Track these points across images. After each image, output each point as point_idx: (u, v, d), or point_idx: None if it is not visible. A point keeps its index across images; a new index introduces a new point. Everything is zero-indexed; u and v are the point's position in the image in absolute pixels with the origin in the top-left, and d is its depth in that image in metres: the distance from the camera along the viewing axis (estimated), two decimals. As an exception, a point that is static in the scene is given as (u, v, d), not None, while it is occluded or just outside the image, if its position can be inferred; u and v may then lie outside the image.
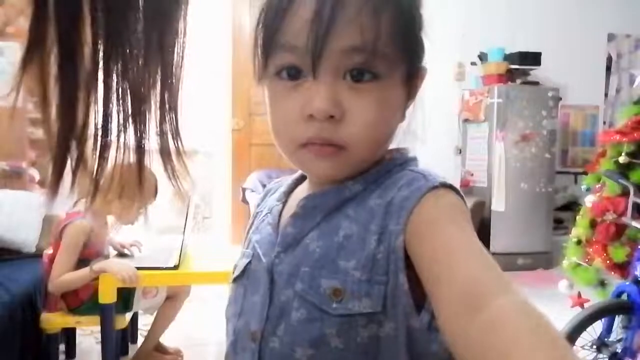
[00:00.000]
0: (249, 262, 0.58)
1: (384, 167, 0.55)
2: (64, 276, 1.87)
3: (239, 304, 0.58)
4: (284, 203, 0.60)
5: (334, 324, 0.47)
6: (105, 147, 0.39)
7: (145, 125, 0.42)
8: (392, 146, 0.61)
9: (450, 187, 0.54)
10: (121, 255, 2.13)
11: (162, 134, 0.45)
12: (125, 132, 0.40)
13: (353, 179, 0.53)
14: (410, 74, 0.57)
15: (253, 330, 0.53)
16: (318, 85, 0.48)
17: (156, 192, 2.08)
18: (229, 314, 0.62)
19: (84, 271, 1.86)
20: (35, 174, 3.48)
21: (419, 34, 0.58)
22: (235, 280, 0.61)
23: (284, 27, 0.49)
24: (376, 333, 0.47)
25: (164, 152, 0.47)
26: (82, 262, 1.94)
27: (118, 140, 0.40)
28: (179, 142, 0.48)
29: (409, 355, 0.48)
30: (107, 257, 2.09)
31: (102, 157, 0.39)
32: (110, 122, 0.39)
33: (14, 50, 3.18)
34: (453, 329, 0.40)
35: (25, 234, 2.59)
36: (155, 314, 2.18)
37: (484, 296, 0.39)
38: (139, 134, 0.41)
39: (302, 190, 0.59)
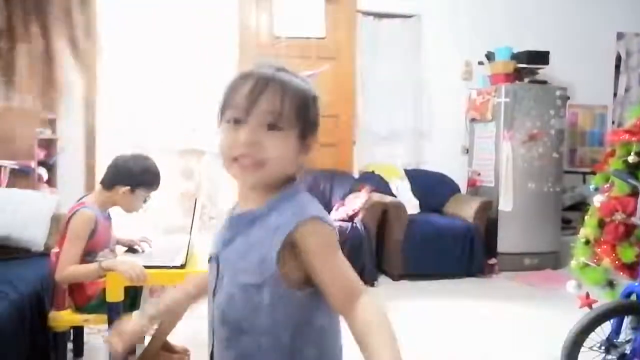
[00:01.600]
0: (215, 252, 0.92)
1: (280, 197, 0.85)
2: (71, 268, 1.88)
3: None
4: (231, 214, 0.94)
5: (238, 288, 0.85)
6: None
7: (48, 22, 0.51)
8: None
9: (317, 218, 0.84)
10: (130, 250, 2.15)
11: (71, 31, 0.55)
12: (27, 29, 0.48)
13: (262, 203, 0.87)
14: (304, 134, 0.86)
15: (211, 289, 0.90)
16: (246, 128, 0.83)
17: (158, 184, 2.11)
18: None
19: (93, 266, 1.88)
20: (43, 173, 3.51)
21: (310, 111, 0.87)
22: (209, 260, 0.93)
23: (233, 97, 0.85)
24: (260, 297, 0.83)
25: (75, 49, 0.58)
26: (88, 254, 1.95)
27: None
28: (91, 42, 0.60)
29: (288, 314, 0.83)
30: (113, 251, 2.11)
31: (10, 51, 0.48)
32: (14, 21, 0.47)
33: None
34: (340, 311, 0.81)
35: (33, 232, 2.61)
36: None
37: (355, 293, 0.80)
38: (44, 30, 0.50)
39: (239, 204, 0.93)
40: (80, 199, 2.07)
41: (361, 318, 0.78)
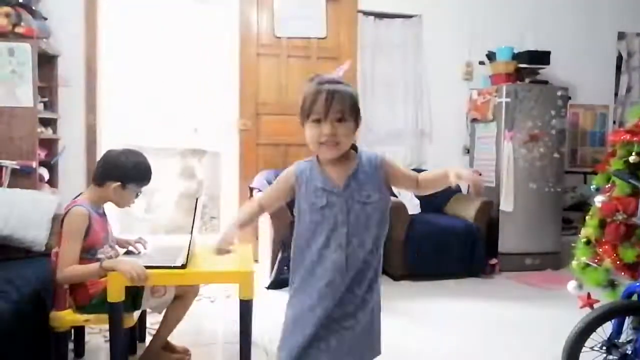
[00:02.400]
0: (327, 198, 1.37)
1: (359, 159, 1.41)
2: (71, 268, 1.88)
3: (330, 220, 1.36)
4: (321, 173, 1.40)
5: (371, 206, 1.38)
6: None
7: None
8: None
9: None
10: (128, 253, 2.15)
11: None
12: None
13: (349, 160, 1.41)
14: (356, 120, 1.38)
15: (341, 220, 1.36)
16: (325, 124, 1.33)
17: (149, 179, 2.11)
18: (318, 226, 1.38)
19: (94, 266, 1.88)
20: (44, 173, 3.51)
21: (358, 106, 1.38)
22: (321, 208, 1.37)
23: (313, 106, 1.33)
24: (383, 206, 1.41)
25: None
26: (88, 252, 1.95)
27: None
28: None
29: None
30: (113, 247, 2.11)
31: None
32: None
33: (24, 50, 3.21)
34: (416, 187, 1.46)
35: (34, 232, 2.61)
36: (163, 312, 2.19)
37: (417, 178, 1.44)
38: None
39: (327, 168, 1.40)
40: (76, 197, 2.07)
41: (422, 180, 1.43)
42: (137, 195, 2.12)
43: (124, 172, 2.03)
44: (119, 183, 2.02)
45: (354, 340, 1.36)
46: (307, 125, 1.35)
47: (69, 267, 1.89)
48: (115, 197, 2.07)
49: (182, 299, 2.17)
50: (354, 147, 1.41)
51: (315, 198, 1.36)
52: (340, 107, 1.31)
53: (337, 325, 1.34)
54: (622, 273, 2.09)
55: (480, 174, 4.49)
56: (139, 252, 2.16)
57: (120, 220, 4.26)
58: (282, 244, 3.42)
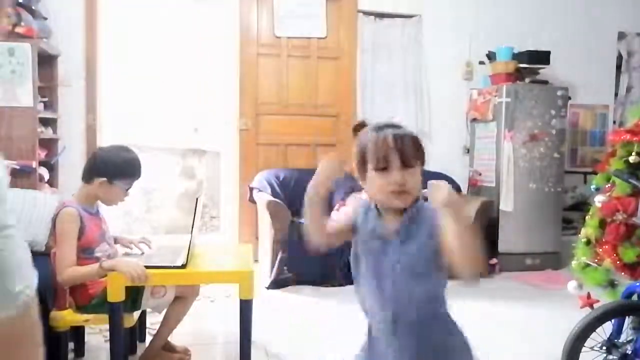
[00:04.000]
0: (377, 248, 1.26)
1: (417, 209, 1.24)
2: (71, 269, 1.88)
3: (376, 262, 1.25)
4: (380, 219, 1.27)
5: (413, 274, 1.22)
6: None
7: None
8: None
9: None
10: (127, 253, 2.15)
11: None
12: None
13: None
14: (423, 163, 1.24)
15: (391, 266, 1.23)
16: (395, 172, 1.19)
17: (138, 175, 2.09)
18: (368, 271, 1.27)
19: (93, 267, 1.88)
20: (44, 173, 3.51)
21: (423, 150, 1.24)
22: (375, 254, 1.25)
23: (378, 154, 1.20)
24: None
25: None
26: (85, 251, 1.95)
27: None
28: None
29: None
30: (111, 245, 2.10)
31: None
32: None
33: (24, 50, 3.21)
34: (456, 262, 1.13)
35: (34, 232, 2.61)
36: (163, 312, 2.19)
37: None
38: None
39: (388, 217, 1.26)
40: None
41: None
42: (126, 192, 2.09)
43: (110, 168, 2.01)
44: (104, 179, 2.00)
45: None
46: (371, 176, 1.22)
47: (68, 270, 1.89)
48: (103, 194, 2.04)
49: (182, 299, 2.17)
50: None
51: (369, 240, 1.26)
52: (408, 152, 1.20)
53: None
54: (622, 273, 2.09)
55: (480, 174, 4.49)
56: (142, 253, 2.16)
57: (120, 220, 4.26)
58: (282, 244, 3.42)
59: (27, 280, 0.86)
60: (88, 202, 2.05)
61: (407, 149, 1.20)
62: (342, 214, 1.36)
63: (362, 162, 1.24)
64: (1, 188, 0.85)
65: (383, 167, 1.20)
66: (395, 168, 1.19)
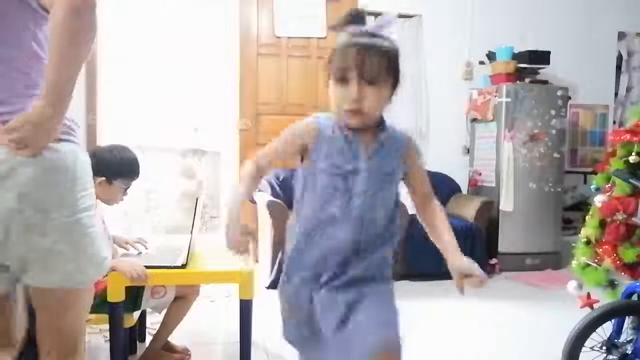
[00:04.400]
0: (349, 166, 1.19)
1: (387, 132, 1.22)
2: None
3: (347, 182, 1.18)
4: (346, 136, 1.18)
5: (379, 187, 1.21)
6: None
7: None
8: None
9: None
10: (126, 254, 2.14)
11: None
12: None
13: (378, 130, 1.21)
14: (393, 85, 1.15)
15: (363, 190, 1.17)
16: (352, 85, 1.10)
17: (137, 174, 2.09)
18: (339, 186, 1.18)
19: None
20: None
21: (397, 68, 1.14)
22: (344, 176, 1.17)
23: (341, 62, 1.10)
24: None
25: None
26: None
27: None
28: None
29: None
30: (112, 247, 2.10)
31: None
32: None
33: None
34: (418, 208, 1.32)
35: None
36: (163, 312, 2.19)
37: (429, 198, 1.31)
38: None
39: (351, 132, 1.18)
40: None
41: (432, 212, 1.29)
42: (125, 192, 2.10)
43: (109, 168, 2.01)
44: (104, 178, 2.00)
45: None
46: (331, 84, 1.13)
47: None
48: (102, 194, 2.04)
49: (182, 299, 2.17)
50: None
51: (338, 161, 1.16)
52: (373, 66, 1.07)
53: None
54: (622, 273, 2.09)
55: (480, 174, 4.49)
56: (139, 253, 2.16)
57: (120, 221, 4.26)
58: (282, 244, 3.42)
59: (108, 250, 1.21)
60: None
61: (372, 63, 1.07)
62: (289, 136, 1.23)
63: (329, 68, 1.14)
64: (88, 172, 1.19)
65: (341, 78, 1.09)
66: (353, 82, 1.08)
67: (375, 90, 1.09)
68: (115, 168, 2.02)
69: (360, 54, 1.07)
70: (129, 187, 2.10)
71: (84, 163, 1.18)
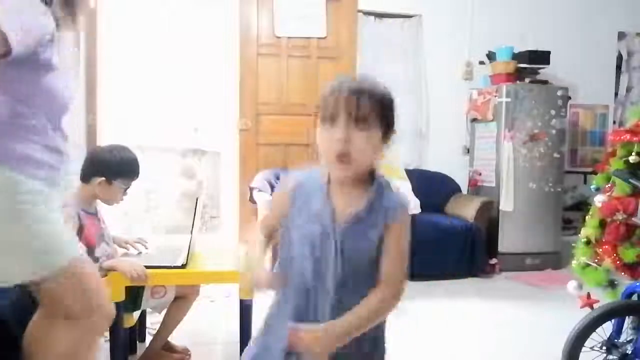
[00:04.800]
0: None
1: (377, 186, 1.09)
2: None
3: (315, 248, 1.05)
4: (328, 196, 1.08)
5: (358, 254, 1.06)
6: None
7: None
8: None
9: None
10: (126, 253, 2.14)
11: None
12: None
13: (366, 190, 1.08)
14: (386, 131, 1.05)
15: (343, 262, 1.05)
16: (338, 126, 1.01)
17: (136, 174, 2.09)
18: (306, 252, 1.06)
19: None
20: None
21: (390, 114, 1.05)
22: (312, 241, 1.05)
23: (329, 104, 1.02)
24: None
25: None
26: (85, 251, 1.94)
27: None
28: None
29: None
30: (109, 245, 2.10)
31: None
32: None
33: (24, 50, 3.20)
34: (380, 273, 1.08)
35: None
36: (163, 312, 2.19)
37: (381, 285, 1.06)
38: None
39: (335, 190, 1.08)
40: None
41: (366, 300, 1.04)
42: (125, 192, 2.09)
43: (108, 167, 2.00)
44: (103, 178, 2.00)
45: None
46: (319, 129, 1.05)
47: None
48: (102, 194, 2.04)
49: (182, 299, 2.17)
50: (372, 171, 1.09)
51: (309, 222, 1.06)
52: (363, 107, 1.00)
53: None
54: (622, 273, 2.09)
55: (480, 174, 4.49)
56: (139, 252, 2.16)
57: (120, 221, 4.26)
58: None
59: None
60: (86, 202, 2.04)
61: (362, 102, 1.00)
62: (275, 199, 1.16)
63: (317, 117, 1.06)
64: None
65: (330, 120, 1.01)
66: (341, 122, 0.99)
67: (364, 134, 1.00)
68: (115, 168, 2.02)
69: (350, 94, 1.00)
70: (128, 187, 2.09)
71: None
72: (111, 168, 2.01)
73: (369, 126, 1.01)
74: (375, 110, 1.01)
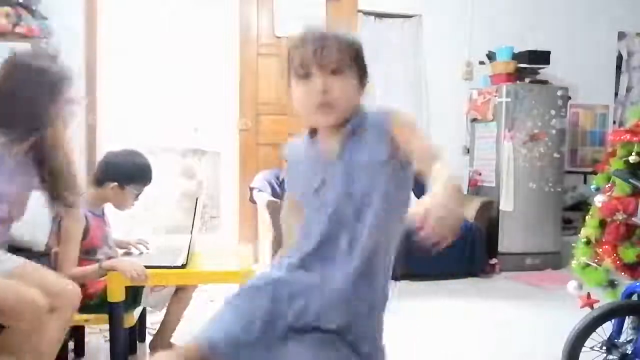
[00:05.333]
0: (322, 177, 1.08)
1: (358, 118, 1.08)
2: (72, 271, 1.88)
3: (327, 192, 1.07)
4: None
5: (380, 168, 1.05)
6: None
7: None
8: None
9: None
10: (127, 254, 2.15)
11: None
12: None
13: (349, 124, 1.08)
14: (361, 76, 1.08)
15: (351, 192, 1.04)
16: (316, 78, 1.03)
17: (149, 180, 2.10)
18: (315, 203, 1.08)
19: (93, 267, 1.88)
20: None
21: (361, 58, 1.07)
22: (316, 190, 1.07)
23: (299, 58, 1.03)
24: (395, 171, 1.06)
25: None
26: (87, 253, 1.95)
27: None
28: None
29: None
30: (112, 248, 2.10)
31: None
32: None
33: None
34: (419, 166, 1.00)
35: (34, 232, 2.60)
36: (163, 311, 2.19)
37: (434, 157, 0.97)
38: None
39: (322, 139, 1.11)
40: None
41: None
42: (136, 197, 2.10)
43: (122, 173, 2.02)
44: (116, 183, 2.01)
45: None
46: (293, 85, 1.07)
47: (69, 270, 1.89)
48: (114, 198, 2.05)
49: (181, 290, 2.17)
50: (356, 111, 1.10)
51: (308, 179, 1.09)
52: (334, 55, 1.01)
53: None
54: (622, 273, 2.09)
55: (480, 174, 4.49)
56: (141, 253, 2.16)
57: (121, 221, 4.26)
58: (281, 244, 3.42)
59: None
60: (95, 205, 2.05)
61: (331, 51, 1.01)
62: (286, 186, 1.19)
63: (287, 74, 1.08)
64: None
65: (304, 73, 1.03)
66: (316, 73, 1.01)
67: (340, 80, 1.02)
68: (128, 173, 2.03)
69: (319, 46, 1.01)
70: (140, 192, 2.10)
71: None
72: (124, 173, 2.02)
73: (344, 73, 1.03)
74: (347, 57, 1.03)
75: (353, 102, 1.06)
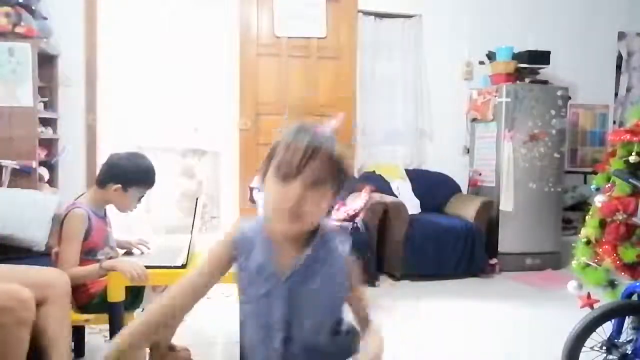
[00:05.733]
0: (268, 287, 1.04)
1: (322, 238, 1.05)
2: (72, 270, 1.88)
3: (265, 313, 1.05)
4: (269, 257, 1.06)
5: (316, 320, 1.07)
6: None
7: None
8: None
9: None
10: (128, 254, 2.15)
11: None
12: None
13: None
14: (337, 189, 1.02)
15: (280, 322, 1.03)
16: (294, 185, 0.97)
17: (152, 183, 2.09)
18: (256, 319, 1.07)
19: (94, 267, 1.88)
20: (44, 173, 3.51)
21: (342, 174, 1.02)
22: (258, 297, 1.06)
23: (285, 157, 0.99)
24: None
25: None
26: (88, 253, 1.95)
27: None
28: None
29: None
30: (113, 249, 2.10)
31: None
32: None
33: (24, 50, 3.20)
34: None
35: (34, 232, 2.61)
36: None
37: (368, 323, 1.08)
38: None
39: (284, 249, 1.05)
40: (77, 198, 2.07)
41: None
42: (139, 200, 2.10)
43: (125, 175, 2.02)
44: (119, 185, 2.01)
45: None
46: (269, 181, 1.02)
47: (70, 270, 1.89)
48: (116, 200, 2.05)
49: None
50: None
51: (255, 281, 1.06)
52: (319, 169, 0.96)
53: None
54: (622, 273, 2.09)
55: (480, 174, 4.49)
56: (142, 253, 2.16)
57: (120, 221, 4.26)
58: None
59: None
60: (97, 205, 2.05)
61: (318, 164, 0.96)
62: (213, 253, 1.14)
63: (267, 164, 1.05)
64: None
65: (284, 175, 0.98)
66: (296, 181, 0.96)
67: (317, 193, 0.97)
68: (132, 176, 2.02)
69: (308, 151, 0.96)
70: (143, 195, 2.10)
71: None
72: (127, 175, 2.02)
73: (323, 187, 0.98)
74: (331, 171, 0.98)
75: (321, 215, 1.03)
